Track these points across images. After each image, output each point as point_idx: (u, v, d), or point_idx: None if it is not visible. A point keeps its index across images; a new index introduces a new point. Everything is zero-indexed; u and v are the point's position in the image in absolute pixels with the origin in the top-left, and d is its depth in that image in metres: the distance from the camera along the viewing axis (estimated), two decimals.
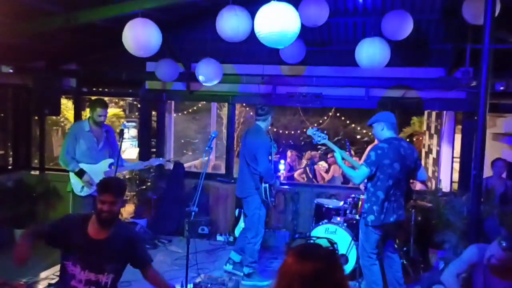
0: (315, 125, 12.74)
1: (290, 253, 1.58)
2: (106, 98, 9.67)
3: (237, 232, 5.81)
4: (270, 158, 4.76)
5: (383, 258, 4.26)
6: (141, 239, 3.16)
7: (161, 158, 5.33)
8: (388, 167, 3.95)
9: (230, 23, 4.05)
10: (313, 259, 1.52)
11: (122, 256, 2.90)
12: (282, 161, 8.92)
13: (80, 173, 4.64)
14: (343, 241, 4.84)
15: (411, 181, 5.11)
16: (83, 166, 4.68)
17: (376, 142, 7.99)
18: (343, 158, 4.28)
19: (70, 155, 4.69)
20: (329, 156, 8.57)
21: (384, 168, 3.95)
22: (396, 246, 4.40)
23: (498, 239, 2.97)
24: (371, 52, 4.53)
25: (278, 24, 3.54)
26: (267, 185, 4.71)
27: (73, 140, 4.72)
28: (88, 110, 5.58)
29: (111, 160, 4.78)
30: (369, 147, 8.31)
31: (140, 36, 4.13)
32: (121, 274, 2.96)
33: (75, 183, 4.72)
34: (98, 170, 4.68)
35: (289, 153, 9.10)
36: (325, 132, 4.48)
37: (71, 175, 4.74)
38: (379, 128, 4.16)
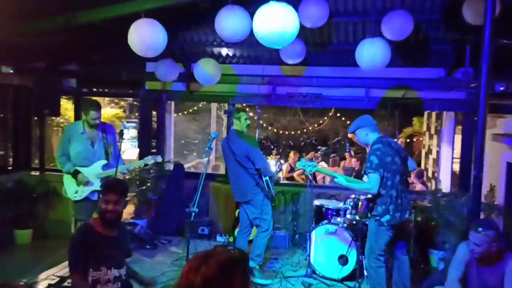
0: (315, 125, 12.77)
1: (188, 262, 1.48)
2: (106, 98, 9.75)
3: (236, 233, 5.79)
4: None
5: (391, 260, 4.23)
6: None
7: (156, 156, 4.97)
8: (392, 163, 3.94)
9: (229, 23, 4.01)
10: (204, 268, 1.43)
11: (129, 250, 3.18)
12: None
13: (75, 174, 4.57)
14: (343, 241, 4.85)
15: (410, 181, 5.12)
16: (77, 168, 4.61)
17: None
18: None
19: (65, 157, 4.64)
20: (331, 156, 8.56)
21: (388, 166, 3.93)
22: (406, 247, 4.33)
23: (473, 227, 3.10)
24: (372, 53, 4.49)
25: (276, 24, 3.53)
26: (267, 178, 4.83)
27: (66, 142, 4.66)
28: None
29: (104, 162, 4.67)
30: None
31: (147, 36, 4.10)
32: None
33: (68, 188, 4.65)
34: (91, 172, 4.60)
35: (291, 155, 9.07)
36: (313, 159, 4.48)
37: (65, 179, 4.68)
38: (363, 134, 4.12)
